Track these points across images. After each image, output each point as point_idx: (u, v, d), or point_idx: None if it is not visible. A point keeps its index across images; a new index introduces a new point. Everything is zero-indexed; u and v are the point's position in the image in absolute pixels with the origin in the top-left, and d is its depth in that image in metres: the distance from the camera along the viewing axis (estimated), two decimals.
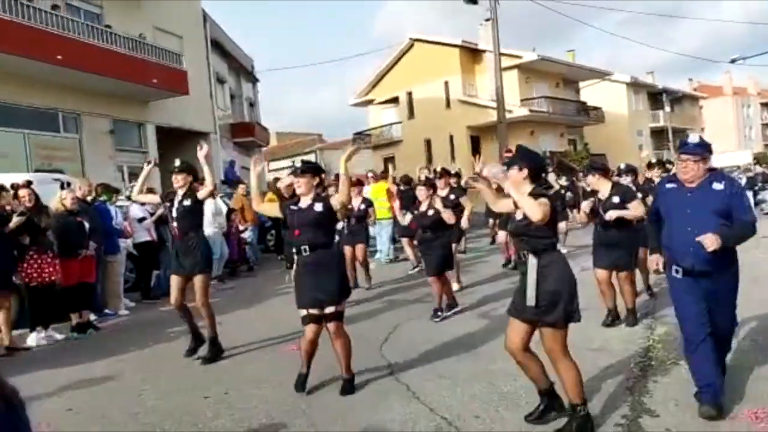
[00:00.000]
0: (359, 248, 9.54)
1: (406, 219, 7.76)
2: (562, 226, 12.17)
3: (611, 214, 6.19)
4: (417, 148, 34.24)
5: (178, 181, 6.05)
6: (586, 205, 6.32)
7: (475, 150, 32.99)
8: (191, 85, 19.01)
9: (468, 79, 34.13)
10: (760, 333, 5.62)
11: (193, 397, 4.94)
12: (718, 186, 3.94)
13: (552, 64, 34.71)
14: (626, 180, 7.49)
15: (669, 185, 4.21)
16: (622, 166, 7.96)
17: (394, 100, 37.50)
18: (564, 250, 11.56)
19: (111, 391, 5.24)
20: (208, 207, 10.78)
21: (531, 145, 30.79)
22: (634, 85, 43.27)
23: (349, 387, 4.75)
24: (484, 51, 31.81)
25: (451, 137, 33.73)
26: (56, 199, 7.47)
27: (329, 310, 4.59)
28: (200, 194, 6.05)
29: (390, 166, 29.27)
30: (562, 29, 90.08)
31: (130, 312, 8.82)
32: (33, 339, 6.94)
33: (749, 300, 5.44)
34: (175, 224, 6.03)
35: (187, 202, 5.99)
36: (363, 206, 9.75)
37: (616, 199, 6.23)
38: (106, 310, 8.53)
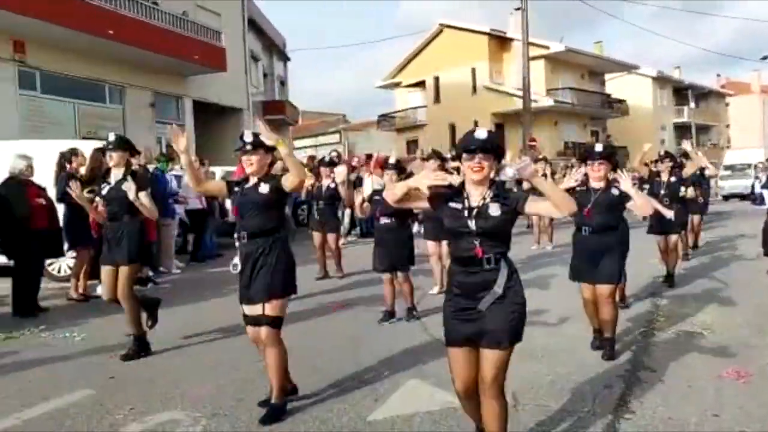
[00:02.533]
0: (330, 236, 8.95)
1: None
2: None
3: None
4: (441, 133, 34.80)
5: (113, 158, 5.28)
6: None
7: (499, 137, 33.52)
8: (228, 62, 19.76)
9: (495, 66, 34.59)
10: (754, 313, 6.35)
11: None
12: None
13: (578, 56, 35.04)
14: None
15: None
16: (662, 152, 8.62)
17: (421, 84, 38.05)
18: (549, 248, 11.71)
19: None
20: None
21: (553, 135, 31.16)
22: (660, 80, 43.35)
23: (271, 414, 3.85)
24: (512, 39, 32.24)
25: (476, 123, 34.21)
26: None
27: (257, 311, 3.86)
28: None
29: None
30: (590, 20, 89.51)
31: (181, 271, 9.66)
32: (101, 289, 7.77)
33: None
34: (102, 207, 5.42)
35: (122, 185, 5.23)
36: (333, 185, 9.11)
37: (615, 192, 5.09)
38: (160, 268, 9.37)
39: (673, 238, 8.08)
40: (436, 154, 8.38)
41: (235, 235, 3.99)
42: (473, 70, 34.45)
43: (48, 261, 8.09)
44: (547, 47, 32.83)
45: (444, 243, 7.43)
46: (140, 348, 5.27)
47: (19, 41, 14.09)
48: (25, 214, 6.67)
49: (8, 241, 6.67)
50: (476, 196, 3.01)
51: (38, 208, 6.86)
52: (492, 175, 3.04)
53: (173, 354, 5.41)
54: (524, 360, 5.00)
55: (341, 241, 11.70)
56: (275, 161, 4.18)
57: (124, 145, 5.34)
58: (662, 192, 7.99)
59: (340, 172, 9.94)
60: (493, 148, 3.01)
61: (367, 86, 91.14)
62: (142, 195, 5.25)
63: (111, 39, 14.92)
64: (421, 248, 7.50)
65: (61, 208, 7.39)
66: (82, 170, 7.54)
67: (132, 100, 17.79)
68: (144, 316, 5.50)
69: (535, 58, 29.38)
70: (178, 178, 9.92)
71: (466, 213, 2.97)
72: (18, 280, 6.81)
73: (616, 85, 39.20)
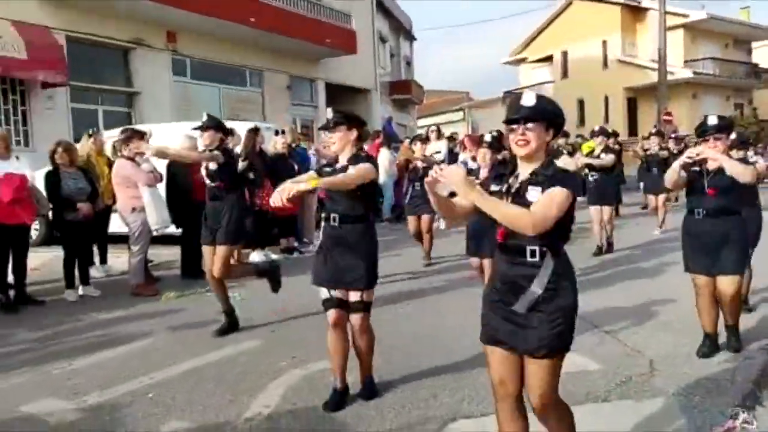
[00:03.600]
0: (425, 218, 8.16)
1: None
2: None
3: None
4: (568, 109, 33.74)
5: (205, 138, 5.33)
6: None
7: (632, 112, 32.11)
8: (357, 45, 20.38)
9: (628, 38, 33.04)
10: None
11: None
12: None
13: (722, 23, 32.70)
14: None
15: None
16: None
17: (548, 59, 37.11)
18: (656, 232, 10.42)
19: None
20: (385, 157, 12.04)
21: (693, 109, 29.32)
22: None
23: (369, 389, 3.96)
24: (647, 9, 30.66)
25: (606, 98, 32.99)
26: (272, 143, 8.97)
27: (354, 297, 3.77)
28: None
29: None
30: None
31: None
32: (255, 256, 8.54)
33: None
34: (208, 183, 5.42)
35: (213, 165, 5.27)
36: (423, 165, 8.33)
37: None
38: (304, 239, 10.08)
39: None
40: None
41: (322, 215, 3.88)
42: (604, 43, 33.11)
43: None
44: (686, 15, 30.90)
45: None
46: (231, 324, 5.39)
47: (171, 32, 15.41)
48: (189, 187, 7.45)
49: (176, 211, 7.48)
50: (524, 175, 2.59)
51: (200, 183, 7.63)
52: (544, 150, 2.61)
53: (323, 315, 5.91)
54: (662, 331, 5.07)
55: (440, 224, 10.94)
56: (364, 138, 3.98)
57: (216, 125, 5.33)
58: None
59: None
60: (545, 116, 2.54)
61: (493, 64, 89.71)
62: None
63: (252, 26, 15.90)
64: None
65: None
66: (238, 149, 8.29)
67: (270, 83, 18.85)
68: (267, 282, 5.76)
69: (672, 27, 27.85)
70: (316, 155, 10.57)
71: (504, 193, 2.59)
72: (185, 247, 7.65)
73: (765, 54, 36.18)
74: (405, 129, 28.90)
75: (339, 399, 3.83)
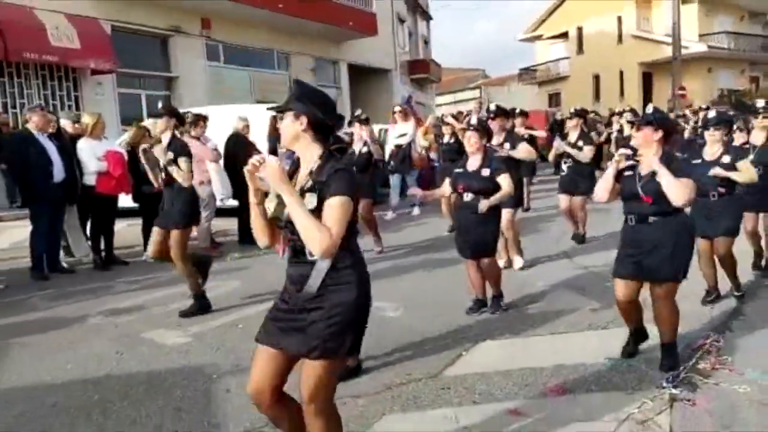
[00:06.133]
0: (363, 204, 7.11)
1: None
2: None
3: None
4: (584, 85, 34.48)
5: (158, 125, 5.42)
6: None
7: (647, 87, 32.64)
8: (377, 26, 21.20)
9: (643, 13, 33.45)
10: None
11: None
12: None
13: None
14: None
15: None
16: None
17: (564, 36, 37.59)
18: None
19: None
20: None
21: (706, 83, 29.51)
22: None
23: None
24: None
25: (621, 73, 33.52)
26: None
27: None
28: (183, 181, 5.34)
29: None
30: None
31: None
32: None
33: None
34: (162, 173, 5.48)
35: (170, 153, 5.32)
36: (365, 150, 7.82)
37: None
38: None
39: None
40: (501, 112, 7.00)
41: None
42: (619, 18, 33.57)
43: None
44: None
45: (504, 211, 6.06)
46: (200, 306, 5.51)
47: (206, 19, 16.36)
48: (246, 163, 8.41)
49: (234, 185, 8.49)
50: (301, 175, 2.51)
51: None
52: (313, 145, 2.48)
53: (376, 263, 6.86)
54: None
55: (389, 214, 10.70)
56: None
57: (169, 111, 5.41)
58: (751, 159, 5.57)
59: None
60: (296, 106, 2.45)
61: (509, 40, 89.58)
62: (181, 161, 5.32)
63: (280, 11, 16.79)
64: None
65: None
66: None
67: (296, 66, 19.78)
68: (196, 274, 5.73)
69: (686, 1, 28.27)
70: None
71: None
72: (242, 217, 8.67)
73: None
74: (423, 107, 29.70)
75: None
